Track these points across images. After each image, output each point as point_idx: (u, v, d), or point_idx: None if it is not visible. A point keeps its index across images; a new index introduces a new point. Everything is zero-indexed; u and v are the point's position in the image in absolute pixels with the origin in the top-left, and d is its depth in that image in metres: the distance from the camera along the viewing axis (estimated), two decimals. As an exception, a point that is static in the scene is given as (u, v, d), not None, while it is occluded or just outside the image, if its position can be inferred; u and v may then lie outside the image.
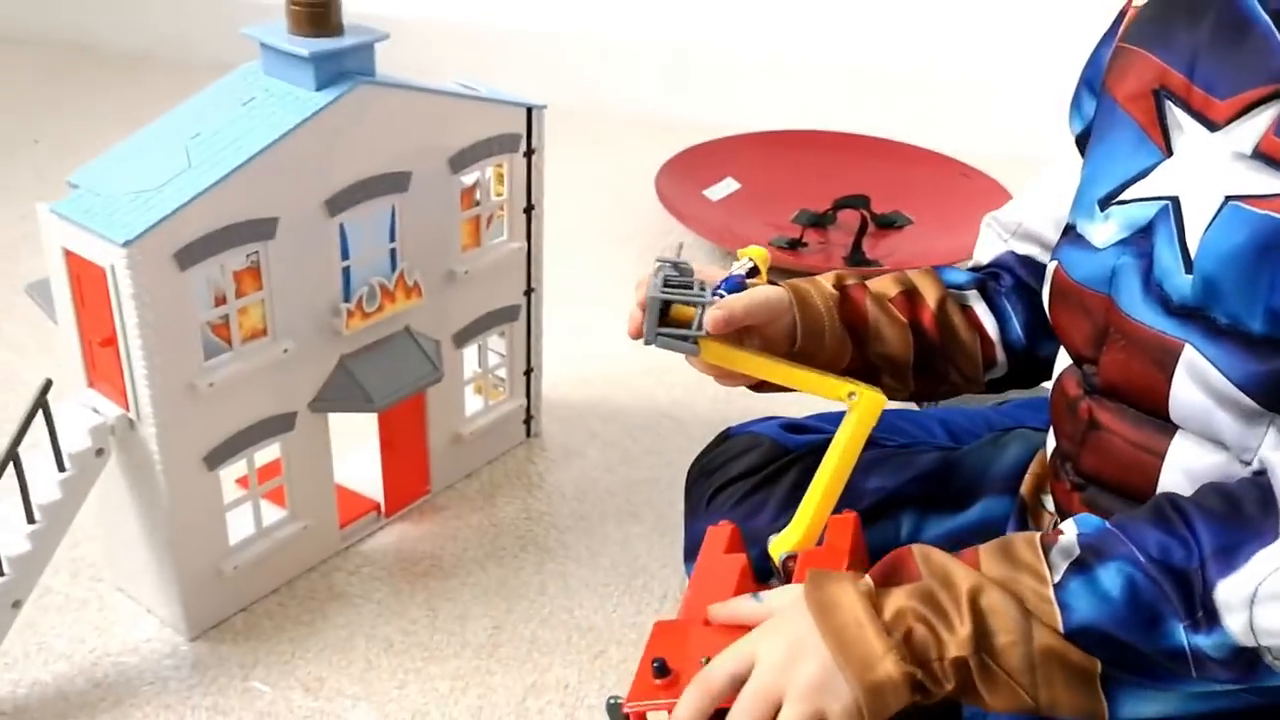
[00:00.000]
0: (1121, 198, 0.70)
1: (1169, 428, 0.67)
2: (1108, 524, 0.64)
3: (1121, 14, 0.76)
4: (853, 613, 0.64)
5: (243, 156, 0.84)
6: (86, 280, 0.84)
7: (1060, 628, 0.62)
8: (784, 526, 0.75)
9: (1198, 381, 0.64)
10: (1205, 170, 0.65)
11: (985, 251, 0.89)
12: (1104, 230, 0.71)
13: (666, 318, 0.75)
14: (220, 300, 0.87)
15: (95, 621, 0.96)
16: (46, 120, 1.84)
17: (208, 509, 0.91)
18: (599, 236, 1.56)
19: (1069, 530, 0.65)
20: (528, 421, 1.19)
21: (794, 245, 1.53)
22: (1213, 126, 0.66)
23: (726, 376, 0.80)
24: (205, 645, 0.94)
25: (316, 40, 0.88)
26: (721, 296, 0.76)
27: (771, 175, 1.70)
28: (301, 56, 0.87)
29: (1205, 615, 0.60)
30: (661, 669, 0.66)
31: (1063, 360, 0.77)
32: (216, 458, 0.90)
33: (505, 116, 1.03)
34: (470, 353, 1.11)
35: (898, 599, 0.64)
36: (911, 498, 0.87)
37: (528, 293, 1.12)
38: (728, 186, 1.67)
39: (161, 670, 0.91)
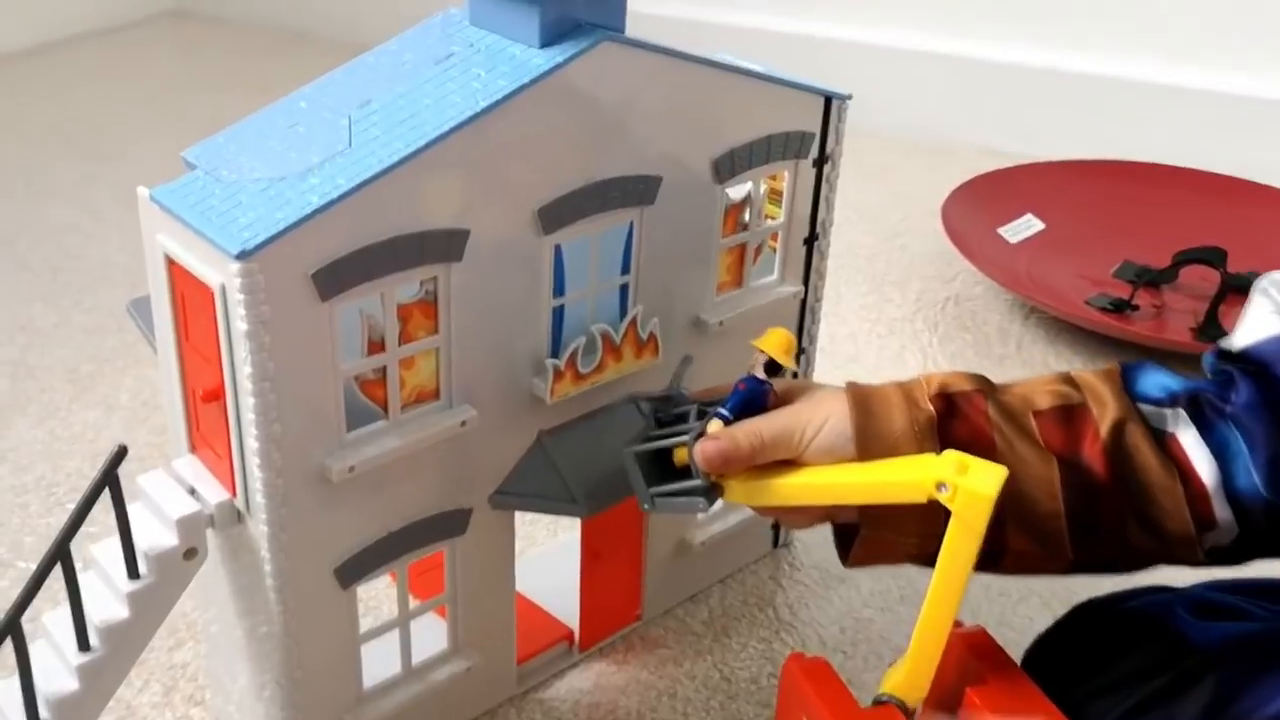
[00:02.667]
0: None
1: None
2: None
3: None
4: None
5: (424, 137, 0.56)
6: (192, 303, 0.57)
7: None
8: None
9: None
10: None
11: (1248, 332, 0.59)
12: None
13: (668, 469, 0.61)
14: (376, 346, 0.59)
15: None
16: (246, 107, 1.65)
17: (337, 641, 0.64)
18: (869, 279, 1.26)
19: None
20: (777, 527, 0.88)
21: (1120, 307, 1.18)
22: None
23: (786, 516, 0.64)
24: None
25: (548, -26, 0.60)
26: (726, 419, 0.60)
27: (1086, 215, 1.35)
28: (524, -4, 0.59)
29: None
30: None
31: None
32: (354, 571, 0.62)
33: (795, 108, 0.72)
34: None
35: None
36: None
37: (797, 355, 0.81)
38: (1029, 225, 1.33)
39: None
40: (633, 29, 0.63)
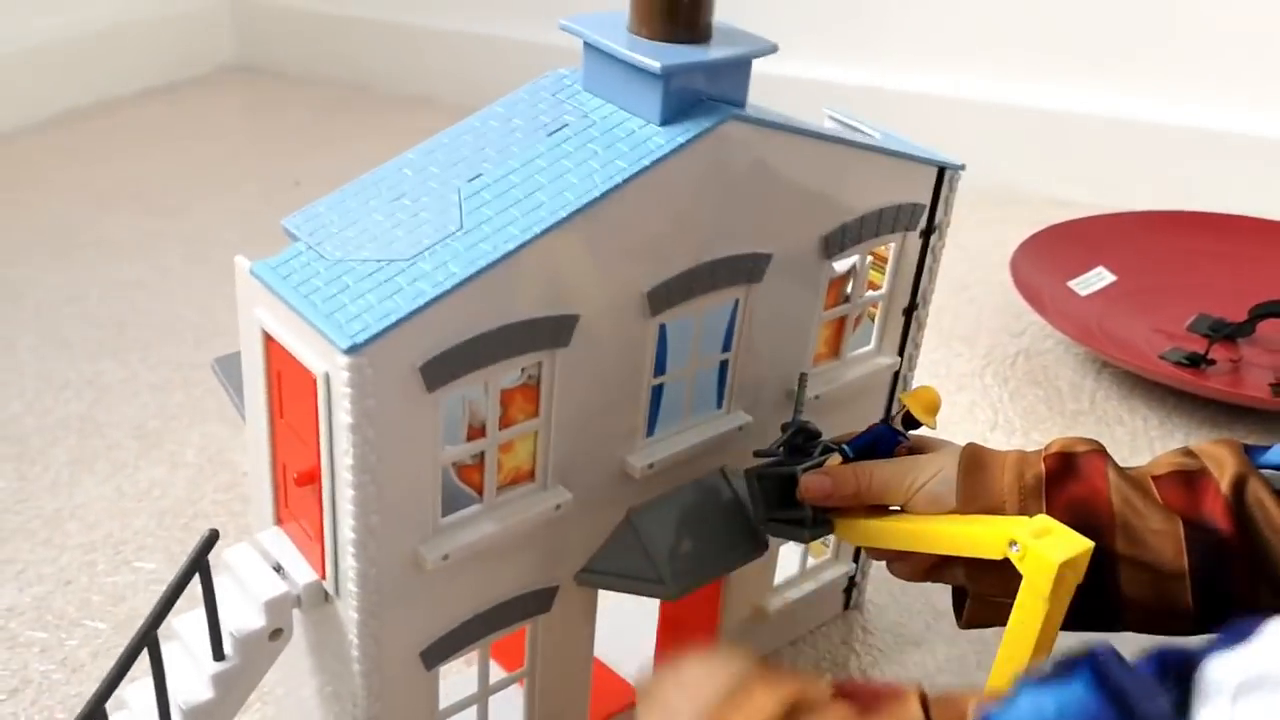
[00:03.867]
0: None
1: None
2: None
3: None
4: None
5: (540, 223, 0.54)
6: (289, 382, 0.55)
7: None
8: None
9: None
10: None
11: None
12: None
13: (789, 497, 0.64)
14: (476, 432, 0.57)
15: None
16: (310, 162, 1.63)
17: (417, 719, 0.62)
18: (937, 333, 1.23)
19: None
20: (849, 590, 0.85)
21: (1195, 362, 1.15)
22: None
23: (894, 563, 0.65)
24: None
25: (672, 47, 0.57)
26: (847, 455, 0.63)
27: (1158, 267, 1.31)
28: (648, 70, 0.56)
29: None
30: None
31: None
32: (439, 653, 0.60)
33: (908, 179, 0.69)
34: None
35: None
36: None
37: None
38: (1100, 278, 1.29)
39: None
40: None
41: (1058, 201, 1.50)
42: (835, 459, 0.64)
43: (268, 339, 0.55)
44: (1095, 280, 1.29)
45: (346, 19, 1.96)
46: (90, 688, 0.75)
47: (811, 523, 0.64)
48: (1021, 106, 1.61)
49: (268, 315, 0.55)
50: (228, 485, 0.96)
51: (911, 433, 0.66)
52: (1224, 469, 0.58)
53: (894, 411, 0.63)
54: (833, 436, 0.66)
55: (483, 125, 0.60)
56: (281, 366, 0.55)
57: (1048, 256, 1.29)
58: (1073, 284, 1.28)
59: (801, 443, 0.65)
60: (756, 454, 0.66)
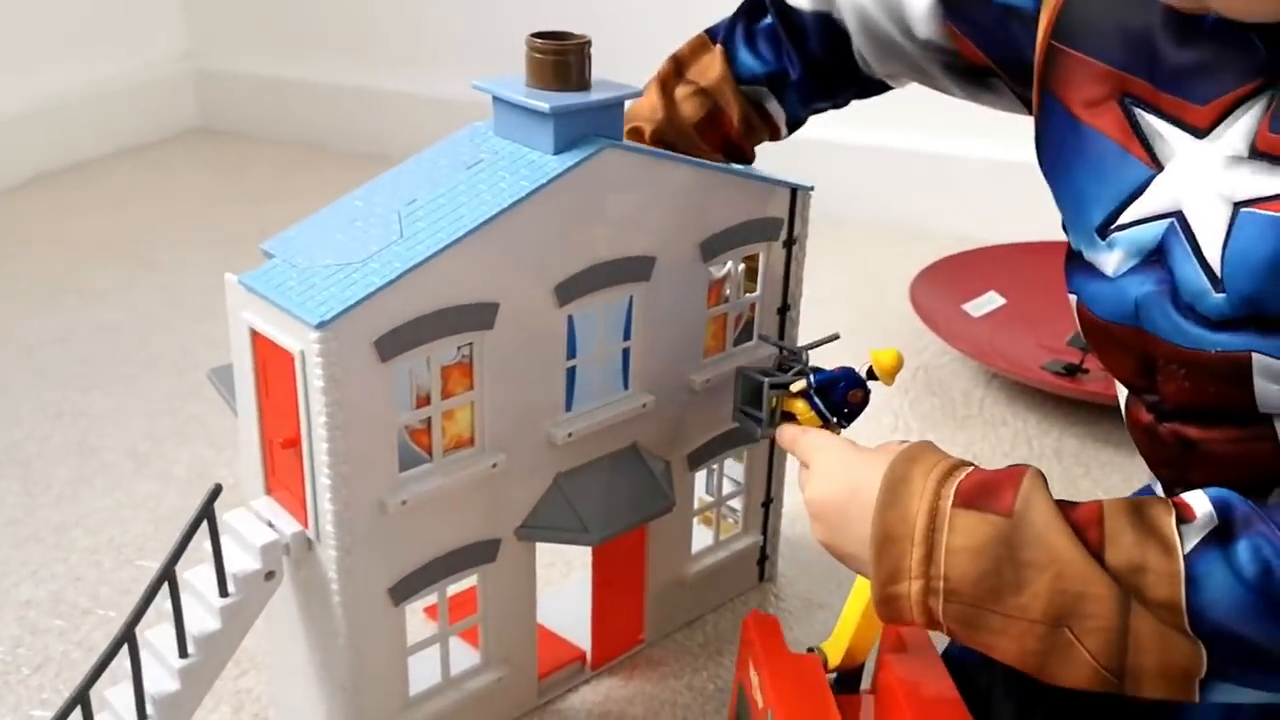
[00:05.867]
0: (1120, 221, 0.66)
1: (1265, 416, 0.62)
2: (1242, 499, 0.58)
3: None
4: (908, 522, 0.61)
5: (463, 228, 0.69)
6: (272, 367, 0.70)
7: (1182, 603, 0.56)
8: None
9: (1278, 379, 0.60)
10: (1203, 179, 0.61)
11: None
12: (1113, 259, 0.66)
13: (758, 398, 0.77)
14: (423, 401, 0.72)
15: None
16: (273, 216, 1.78)
17: (389, 652, 0.75)
18: (847, 352, 1.39)
19: (1200, 504, 0.58)
20: (762, 563, 0.99)
21: (1071, 371, 1.31)
22: (1197, 133, 0.62)
23: None
24: (372, 817, 0.77)
25: (559, 94, 0.73)
26: (809, 383, 0.76)
27: (1041, 291, 1.48)
28: (540, 112, 0.72)
29: None
30: None
31: (1122, 389, 0.72)
32: (404, 591, 0.74)
33: (767, 197, 0.86)
34: (698, 478, 0.93)
35: (963, 536, 0.59)
36: None
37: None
38: (990, 301, 1.46)
39: (319, 846, 0.75)
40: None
41: (955, 235, 1.67)
42: (801, 384, 0.76)
43: (253, 334, 0.70)
44: (987, 303, 1.46)
45: (302, 83, 2.12)
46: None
47: (766, 425, 0.77)
48: (924, 152, 1.80)
49: (252, 314, 0.70)
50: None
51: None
52: (731, 106, 0.85)
53: (863, 365, 0.76)
54: (812, 365, 0.78)
55: (416, 165, 0.77)
56: (266, 355, 0.70)
57: (945, 283, 1.46)
58: (966, 307, 1.44)
59: (783, 361, 0.79)
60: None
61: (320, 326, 0.64)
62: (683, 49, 0.88)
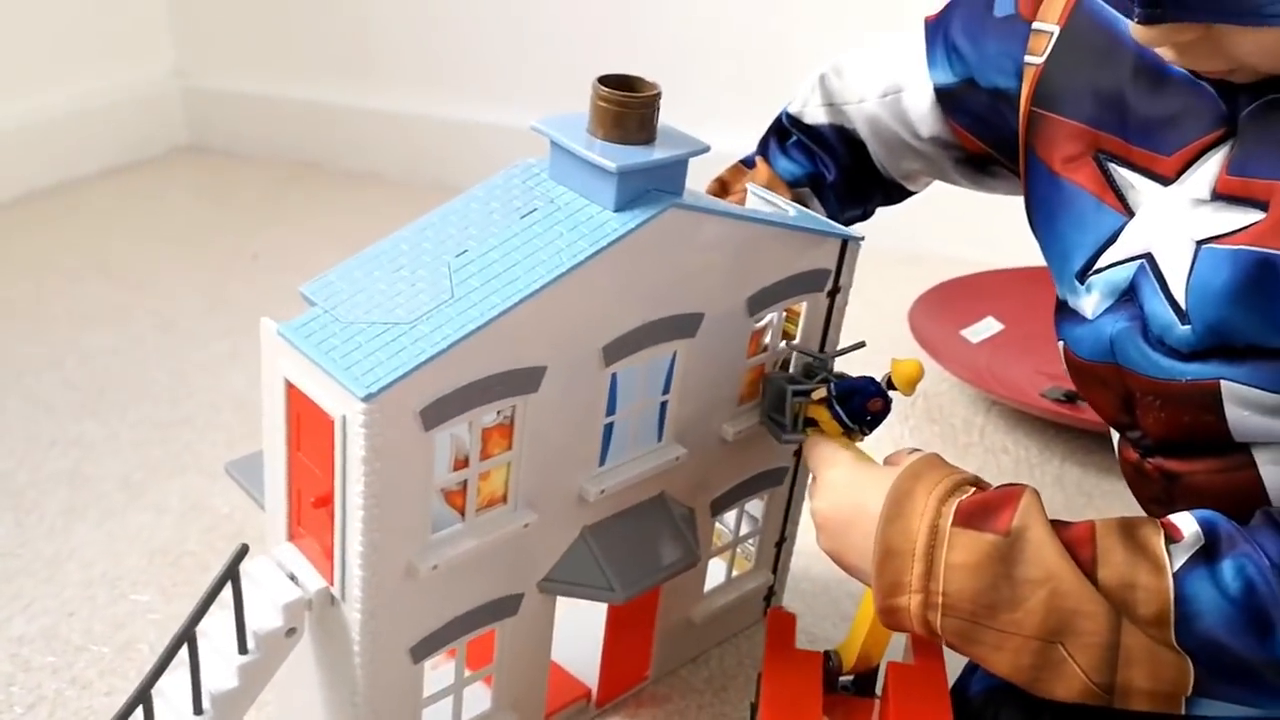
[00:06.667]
0: (1097, 266, 0.71)
1: (1243, 445, 0.66)
2: (1228, 520, 0.61)
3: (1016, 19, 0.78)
4: (910, 538, 0.64)
5: (518, 293, 0.66)
6: (308, 424, 0.67)
7: (1171, 620, 0.59)
8: None
9: (1249, 406, 0.64)
10: (1170, 222, 0.67)
11: (811, 111, 0.92)
12: (1091, 301, 0.72)
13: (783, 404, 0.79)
14: (461, 463, 0.69)
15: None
16: (265, 236, 1.72)
17: (405, 707, 0.73)
18: (853, 369, 1.38)
19: (1187, 525, 0.62)
20: (768, 598, 0.98)
21: (1071, 398, 1.30)
22: (1165, 181, 0.68)
23: None
24: None
25: (624, 149, 0.69)
26: (831, 391, 0.78)
27: (1039, 317, 1.46)
28: (605, 170, 0.68)
29: None
30: None
31: (1114, 431, 0.78)
32: (425, 648, 0.72)
33: (817, 249, 0.83)
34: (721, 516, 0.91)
35: (962, 553, 0.63)
36: None
37: (799, 452, 0.92)
38: (989, 327, 1.44)
39: None
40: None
41: (952, 259, 1.64)
42: (822, 391, 0.79)
43: (289, 386, 0.67)
44: (985, 329, 1.44)
45: (292, 101, 2.05)
46: (99, 703, 0.87)
47: (790, 430, 0.79)
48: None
49: (290, 367, 0.66)
50: (210, 527, 1.06)
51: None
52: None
53: (884, 375, 0.78)
54: (837, 373, 0.82)
55: (465, 207, 0.73)
56: (301, 410, 0.67)
57: (943, 308, 1.44)
58: (965, 332, 1.43)
59: (810, 369, 0.81)
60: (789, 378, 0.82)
61: (368, 399, 0.61)
62: (724, 172, 0.93)
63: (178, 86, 2.06)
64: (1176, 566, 0.60)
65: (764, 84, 1.74)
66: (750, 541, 0.95)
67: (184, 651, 0.65)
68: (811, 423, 0.80)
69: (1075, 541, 0.62)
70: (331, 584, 0.69)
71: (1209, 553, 0.60)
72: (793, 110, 0.93)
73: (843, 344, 0.86)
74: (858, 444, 0.79)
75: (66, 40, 1.85)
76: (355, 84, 2.03)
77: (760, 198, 0.87)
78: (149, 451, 1.17)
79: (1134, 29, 0.61)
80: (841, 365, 0.84)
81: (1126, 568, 0.60)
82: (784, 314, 0.85)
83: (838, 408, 0.78)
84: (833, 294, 0.86)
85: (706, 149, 0.72)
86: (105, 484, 1.12)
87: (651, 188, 0.71)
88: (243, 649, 0.68)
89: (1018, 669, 0.63)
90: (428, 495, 0.67)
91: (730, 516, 0.93)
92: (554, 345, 0.69)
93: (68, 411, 1.24)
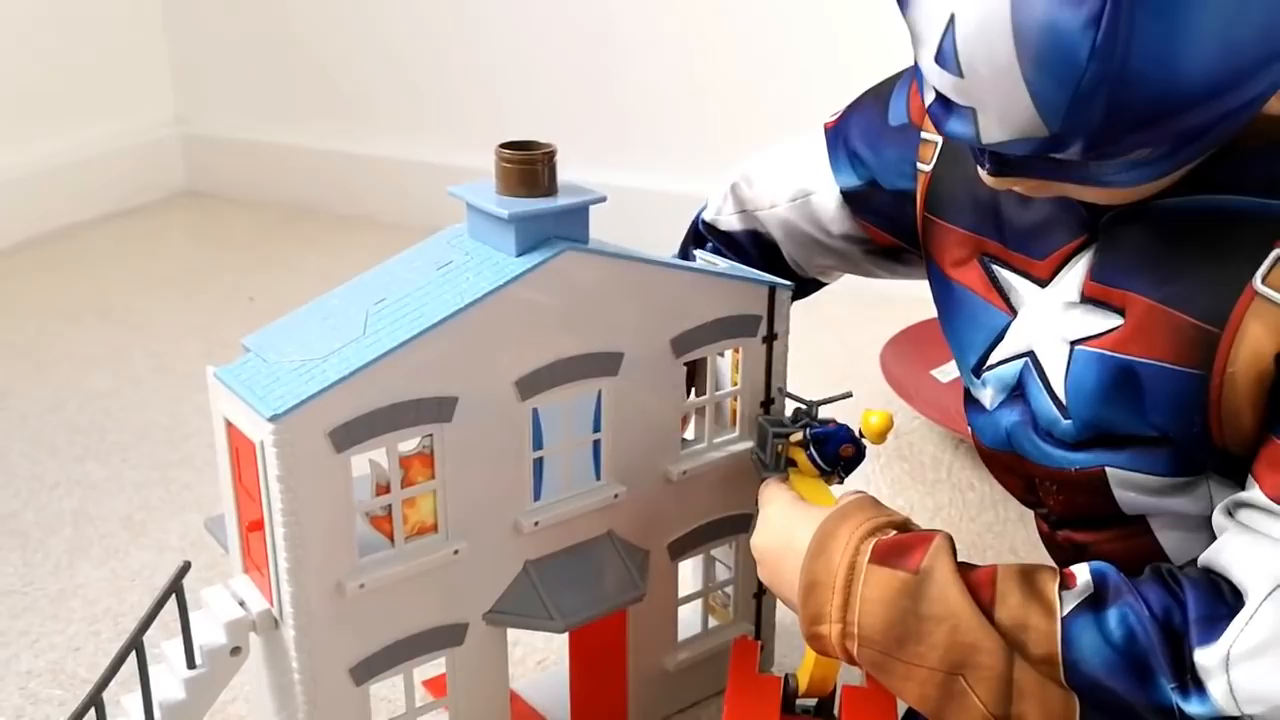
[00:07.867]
0: (989, 362, 0.77)
1: (1140, 518, 0.72)
2: (1117, 573, 0.65)
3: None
4: (830, 572, 0.70)
5: (418, 327, 0.73)
6: (242, 455, 0.75)
7: (1059, 658, 0.63)
8: None
9: (1134, 488, 0.70)
10: (1047, 322, 0.72)
11: (725, 219, 0.99)
12: (987, 395, 0.78)
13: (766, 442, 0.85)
14: (383, 489, 0.76)
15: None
16: (261, 279, 1.83)
17: (351, 729, 0.78)
18: (822, 413, 1.41)
19: (1081, 574, 0.66)
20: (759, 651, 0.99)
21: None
22: (1041, 283, 0.73)
23: None
24: None
25: (521, 200, 0.77)
26: (807, 437, 0.83)
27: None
28: (500, 218, 0.76)
29: (1192, 679, 0.61)
30: None
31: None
32: (366, 671, 0.77)
33: (742, 295, 0.88)
34: (692, 565, 0.94)
35: (876, 589, 0.68)
36: None
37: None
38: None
39: None
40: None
41: (923, 300, 1.63)
42: (799, 434, 0.83)
43: (228, 424, 0.75)
44: (953, 369, 1.42)
45: (288, 147, 2.18)
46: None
47: (770, 468, 0.84)
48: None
49: (227, 405, 0.75)
50: (209, 564, 1.13)
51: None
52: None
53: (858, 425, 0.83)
54: (821, 419, 0.85)
55: (394, 265, 0.82)
56: (238, 443, 0.75)
57: (913, 349, 1.46)
58: (935, 372, 1.43)
59: (797, 414, 0.86)
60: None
61: (274, 419, 0.69)
62: None
63: (177, 133, 2.19)
64: (1065, 611, 0.64)
65: (728, 130, 1.78)
66: (725, 591, 0.97)
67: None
68: (792, 463, 0.85)
69: (977, 583, 0.66)
70: (272, 605, 0.75)
71: (1096, 601, 0.64)
72: (707, 218, 1.00)
73: (832, 391, 0.89)
74: (833, 485, 0.84)
75: (68, 88, 1.99)
76: (348, 131, 2.16)
77: (704, 258, 0.93)
78: (150, 491, 1.26)
79: (983, 175, 0.66)
80: (831, 411, 0.87)
81: (1021, 610, 0.65)
82: (724, 358, 0.90)
83: (812, 450, 0.84)
84: (769, 340, 0.90)
85: (602, 199, 0.79)
86: (108, 523, 1.21)
87: (553, 235, 0.78)
88: (190, 664, 0.74)
89: (924, 698, 0.67)
90: (350, 516, 0.74)
91: (703, 565, 0.95)
92: (464, 377, 0.76)
93: (70, 453, 1.34)
